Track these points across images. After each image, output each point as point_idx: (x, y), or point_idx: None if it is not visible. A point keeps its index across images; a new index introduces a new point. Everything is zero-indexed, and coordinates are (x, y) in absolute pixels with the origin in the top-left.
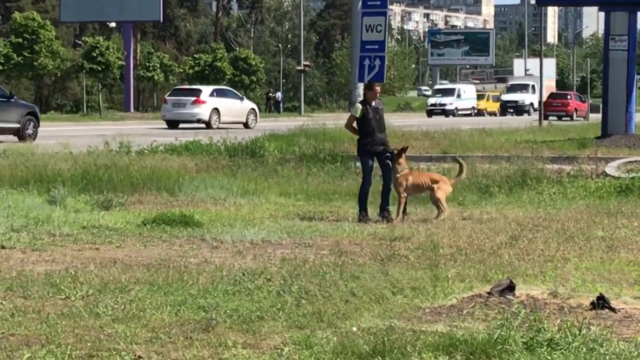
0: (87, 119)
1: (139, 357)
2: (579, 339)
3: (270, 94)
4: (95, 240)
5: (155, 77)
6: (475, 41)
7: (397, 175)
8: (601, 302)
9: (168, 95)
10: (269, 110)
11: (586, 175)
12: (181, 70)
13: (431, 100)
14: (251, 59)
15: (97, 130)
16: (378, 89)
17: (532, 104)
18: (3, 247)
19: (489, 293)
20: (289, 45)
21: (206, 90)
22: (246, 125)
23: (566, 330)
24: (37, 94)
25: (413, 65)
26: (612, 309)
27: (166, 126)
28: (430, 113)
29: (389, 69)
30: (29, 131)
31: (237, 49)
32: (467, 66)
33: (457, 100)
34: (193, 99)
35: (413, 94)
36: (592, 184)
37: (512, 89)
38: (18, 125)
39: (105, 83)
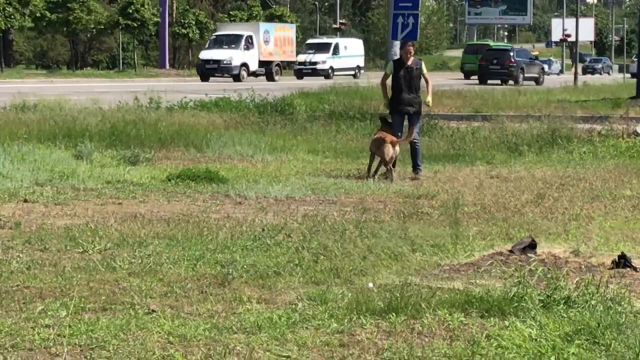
0: (122, 76)
1: (153, 310)
2: (596, 297)
3: None
4: (119, 195)
5: (190, 35)
6: (513, 0)
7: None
8: (622, 261)
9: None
10: None
11: (617, 134)
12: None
13: (301, 58)
14: (287, 16)
15: (130, 87)
16: (411, 48)
17: (245, 65)
18: (26, 201)
19: (510, 251)
20: (326, 4)
21: None
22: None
23: (584, 288)
24: (72, 50)
25: (450, 24)
26: (634, 268)
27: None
28: (299, 73)
29: (425, 27)
30: (541, 79)
31: (274, 6)
32: (505, 25)
33: (334, 59)
34: None
35: (450, 52)
36: (622, 144)
37: (218, 42)
38: (537, 75)
39: (141, 39)
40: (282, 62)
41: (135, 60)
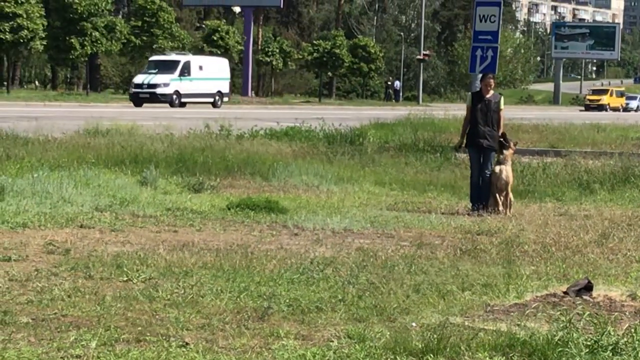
0: None
1: (187, 343)
2: None
3: (389, 83)
4: (176, 223)
5: (274, 63)
6: (601, 35)
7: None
8: None
9: None
10: (387, 98)
11: None
12: (300, 57)
13: (138, 79)
14: (371, 47)
15: (207, 113)
16: (491, 81)
17: None
18: (82, 227)
19: (564, 292)
20: (411, 35)
21: None
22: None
23: (633, 334)
24: None
25: (538, 58)
26: None
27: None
28: (136, 99)
29: (511, 60)
30: None
31: (359, 36)
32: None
33: (182, 81)
34: None
35: (536, 86)
36: None
37: None
38: None
39: None
40: None
41: None
